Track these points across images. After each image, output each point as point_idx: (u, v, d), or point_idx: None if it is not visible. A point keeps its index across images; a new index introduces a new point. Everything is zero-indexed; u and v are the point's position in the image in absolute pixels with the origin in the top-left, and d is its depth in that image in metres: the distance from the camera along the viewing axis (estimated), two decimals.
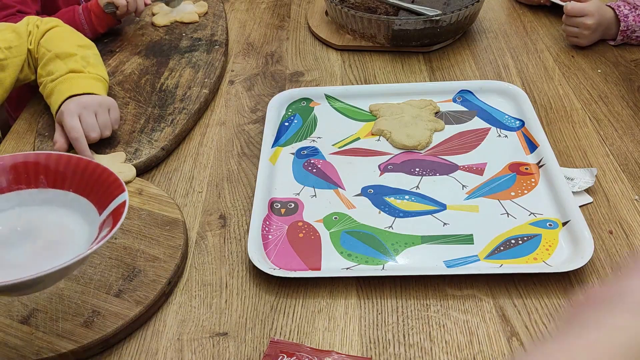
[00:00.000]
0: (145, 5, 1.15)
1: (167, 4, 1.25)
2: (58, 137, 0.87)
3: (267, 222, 0.77)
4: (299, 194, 0.82)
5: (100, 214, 0.63)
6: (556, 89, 1.01)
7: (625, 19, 1.05)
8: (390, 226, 0.76)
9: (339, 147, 0.90)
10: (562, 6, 1.19)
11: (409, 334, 0.65)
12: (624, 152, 0.87)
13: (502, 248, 0.72)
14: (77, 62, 0.93)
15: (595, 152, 0.87)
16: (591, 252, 0.69)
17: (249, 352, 0.64)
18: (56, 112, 0.89)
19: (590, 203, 0.79)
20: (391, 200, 0.80)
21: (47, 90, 0.92)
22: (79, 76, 0.92)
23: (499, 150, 0.87)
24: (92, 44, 1.00)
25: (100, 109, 0.88)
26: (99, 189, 0.65)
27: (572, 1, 1.08)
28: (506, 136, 0.89)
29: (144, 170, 0.88)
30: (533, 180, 0.81)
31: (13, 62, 0.93)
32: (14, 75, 0.94)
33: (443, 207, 0.79)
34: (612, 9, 1.07)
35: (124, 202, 0.61)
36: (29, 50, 0.95)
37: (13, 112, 1.23)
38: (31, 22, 0.97)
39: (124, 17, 1.16)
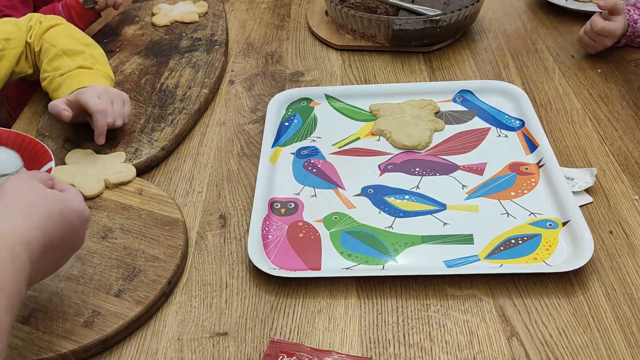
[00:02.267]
0: None
1: None
2: (65, 106, 0.85)
3: (267, 222, 0.77)
4: (299, 194, 0.82)
5: None
6: (556, 89, 1.01)
7: (634, 24, 1.04)
8: (390, 226, 0.76)
9: (339, 147, 0.90)
10: (562, 6, 1.19)
11: (409, 334, 0.65)
12: (624, 152, 0.87)
13: (502, 248, 0.72)
14: (86, 60, 0.94)
15: (595, 152, 0.87)
16: (591, 252, 0.69)
17: (249, 352, 0.64)
18: None
19: (590, 203, 0.79)
20: (391, 200, 0.80)
21: (54, 84, 0.92)
22: (88, 72, 0.93)
23: (499, 150, 0.87)
24: (96, 43, 1.00)
25: (117, 99, 0.89)
26: (29, 153, 0.83)
27: (601, 19, 1.04)
28: (506, 136, 0.89)
29: (144, 170, 0.88)
30: (533, 180, 0.81)
31: (10, 54, 0.94)
32: (10, 66, 0.94)
33: (443, 207, 0.79)
34: None
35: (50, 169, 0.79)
36: (27, 43, 0.96)
37: (13, 112, 1.23)
38: (34, 18, 0.98)
39: (103, 11, 1.16)
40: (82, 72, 0.92)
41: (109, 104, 0.87)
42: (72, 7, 1.12)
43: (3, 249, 0.50)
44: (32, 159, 0.83)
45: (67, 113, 0.85)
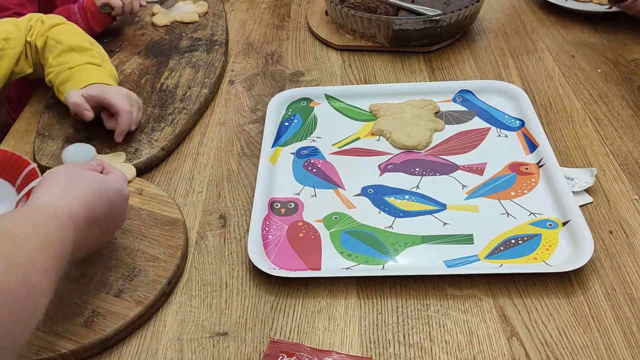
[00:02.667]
0: (141, 6, 1.15)
1: (162, 4, 1.25)
2: (88, 107, 0.88)
3: (267, 222, 0.77)
4: (299, 194, 0.82)
5: (17, 192, 0.76)
6: (556, 89, 1.01)
7: None
8: (390, 226, 0.76)
9: (339, 147, 0.90)
10: (562, 6, 1.19)
11: (409, 334, 0.65)
12: (624, 152, 0.87)
13: (502, 248, 0.72)
14: (95, 57, 0.95)
15: (595, 152, 0.87)
16: (591, 252, 0.69)
17: (249, 352, 0.64)
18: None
19: (590, 203, 0.79)
20: (391, 200, 0.80)
21: (61, 77, 0.93)
22: (98, 69, 0.94)
23: (499, 150, 0.87)
24: (98, 44, 1.01)
25: (135, 105, 0.91)
26: (5, 165, 0.79)
27: None
28: (506, 136, 0.89)
29: (144, 170, 0.88)
30: (533, 180, 0.81)
31: (9, 53, 0.94)
32: (9, 66, 0.95)
33: (443, 207, 0.79)
34: None
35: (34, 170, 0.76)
36: (27, 42, 0.96)
37: (13, 112, 1.23)
38: (34, 18, 0.99)
39: (119, 17, 1.16)
40: (92, 68, 0.93)
41: (130, 106, 0.89)
42: (88, 9, 1.12)
43: (50, 219, 0.54)
44: (10, 169, 0.80)
45: (90, 114, 0.88)
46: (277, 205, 0.80)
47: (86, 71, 0.92)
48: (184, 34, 1.18)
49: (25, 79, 1.00)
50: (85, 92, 0.88)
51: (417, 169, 0.84)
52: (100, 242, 0.64)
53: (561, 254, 0.71)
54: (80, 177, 0.61)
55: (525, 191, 0.80)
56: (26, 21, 0.98)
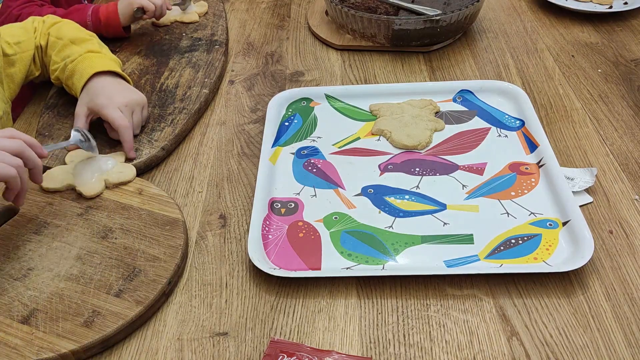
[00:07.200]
0: (168, 9, 1.16)
1: (181, 5, 1.25)
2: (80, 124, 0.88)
3: (267, 222, 0.77)
4: (299, 193, 0.82)
5: None
6: (556, 89, 1.01)
7: None
8: (390, 226, 0.76)
9: (339, 147, 0.90)
10: (562, 6, 1.19)
11: (409, 334, 0.65)
12: (624, 152, 0.87)
13: (502, 248, 0.72)
14: (94, 45, 0.96)
15: (595, 152, 0.87)
16: (591, 252, 0.69)
17: (249, 352, 0.64)
18: (81, 90, 0.90)
19: (590, 203, 0.79)
20: (391, 200, 0.80)
21: (67, 72, 0.93)
22: (98, 55, 0.94)
23: (499, 150, 0.87)
24: (96, 36, 1.02)
25: (137, 108, 0.90)
26: None
27: None
28: (506, 136, 0.89)
29: (144, 170, 0.88)
30: (533, 180, 0.81)
31: (22, 57, 0.95)
32: (25, 69, 0.96)
33: (443, 206, 0.79)
34: None
35: None
36: (35, 45, 0.96)
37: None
38: (37, 19, 1.00)
39: (146, 20, 1.16)
40: (93, 56, 0.94)
41: (130, 116, 0.88)
42: (109, 15, 1.11)
43: None
44: None
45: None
46: (277, 205, 0.80)
47: (87, 60, 0.93)
48: (184, 34, 1.18)
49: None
50: (86, 109, 0.88)
51: (417, 169, 0.84)
52: None
53: (561, 254, 0.71)
54: None
55: (525, 191, 0.80)
56: (31, 24, 0.98)
